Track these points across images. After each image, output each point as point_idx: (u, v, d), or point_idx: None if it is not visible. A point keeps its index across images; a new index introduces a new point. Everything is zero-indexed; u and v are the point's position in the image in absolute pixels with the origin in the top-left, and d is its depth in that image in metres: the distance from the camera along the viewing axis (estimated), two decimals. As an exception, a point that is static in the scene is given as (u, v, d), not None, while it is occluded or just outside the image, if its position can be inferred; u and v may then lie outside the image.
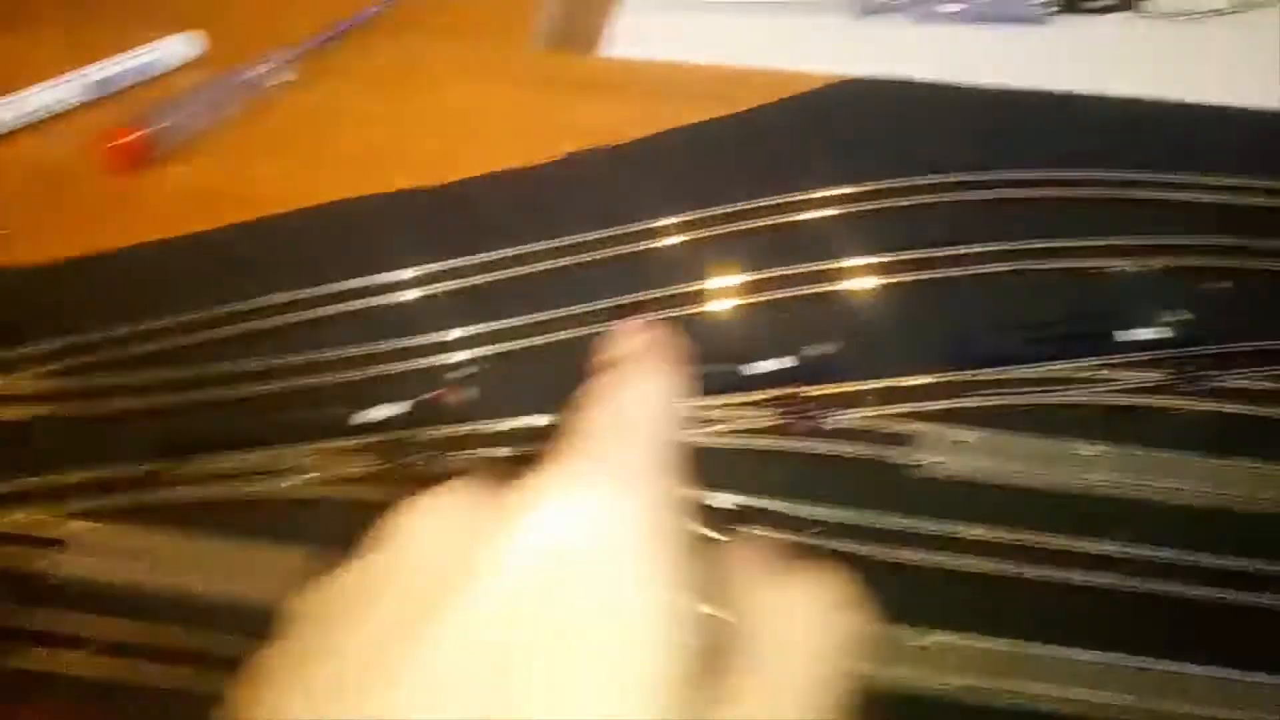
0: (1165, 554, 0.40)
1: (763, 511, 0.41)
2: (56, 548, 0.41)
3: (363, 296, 0.49)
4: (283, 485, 0.42)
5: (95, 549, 0.41)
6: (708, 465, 0.42)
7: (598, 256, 0.51)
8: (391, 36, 0.66)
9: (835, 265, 0.49)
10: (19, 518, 0.42)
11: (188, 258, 0.52)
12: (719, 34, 0.69)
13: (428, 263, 0.50)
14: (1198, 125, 0.60)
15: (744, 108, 0.60)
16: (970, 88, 0.62)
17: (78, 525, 0.41)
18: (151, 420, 0.45)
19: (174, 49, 0.63)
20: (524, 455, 0.43)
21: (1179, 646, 0.38)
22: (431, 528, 0.21)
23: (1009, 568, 0.40)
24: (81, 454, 0.44)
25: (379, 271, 0.50)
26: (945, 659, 0.38)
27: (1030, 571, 0.40)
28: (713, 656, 0.19)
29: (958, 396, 0.44)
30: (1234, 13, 0.69)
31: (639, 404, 0.24)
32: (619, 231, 0.52)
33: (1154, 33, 0.69)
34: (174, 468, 0.43)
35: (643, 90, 0.64)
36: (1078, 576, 0.40)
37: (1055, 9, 0.68)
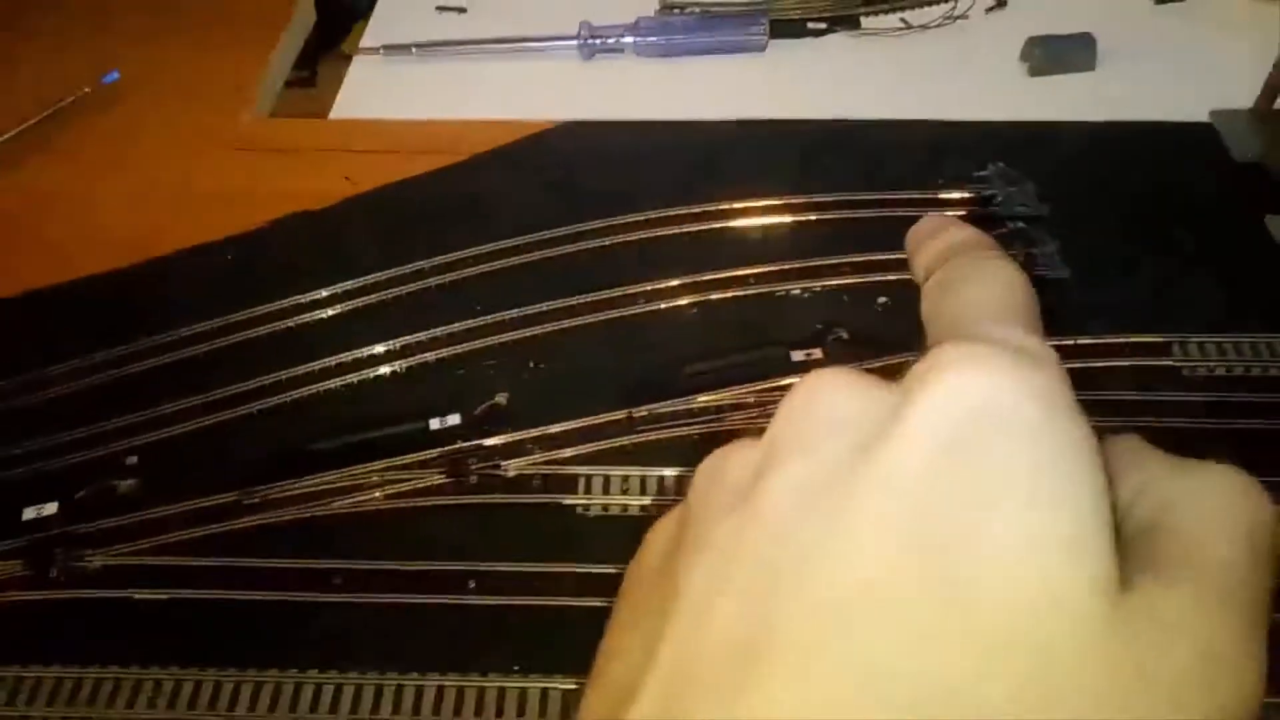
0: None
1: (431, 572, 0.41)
2: None
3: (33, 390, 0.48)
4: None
5: None
6: (374, 531, 0.43)
7: (270, 330, 0.51)
8: (104, 114, 0.64)
9: (515, 314, 0.50)
10: None
11: None
12: (448, 89, 0.69)
13: (99, 349, 0.49)
14: (890, 140, 0.62)
15: (465, 160, 0.61)
16: (683, 122, 0.64)
17: None
18: None
19: None
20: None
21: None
22: (828, 400, 0.19)
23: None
24: None
25: (66, 360, 0.49)
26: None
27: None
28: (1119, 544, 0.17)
29: (628, 434, 0.45)
30: (942, 26, 0.72)
31: (1007, 286, 0.23)
32: (291, 303, 0.51)
33: (869, 52, 0.71)
34: None
35: (367, 149, 0.64)
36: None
37: (766, 35, 0.70)
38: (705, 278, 0.51)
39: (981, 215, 0.56)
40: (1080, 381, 0.51)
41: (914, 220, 0.56)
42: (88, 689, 0.39)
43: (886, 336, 0.48)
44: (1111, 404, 0.46)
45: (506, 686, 0.37)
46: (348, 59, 0.73)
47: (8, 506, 0.43)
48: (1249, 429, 0.45)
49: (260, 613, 0.40)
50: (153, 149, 0.63)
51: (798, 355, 0.48)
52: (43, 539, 0.42)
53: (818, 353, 0.48)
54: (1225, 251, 0.54)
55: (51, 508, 0.43)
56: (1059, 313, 0.51)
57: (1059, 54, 0.69)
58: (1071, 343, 0.49)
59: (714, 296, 0.51)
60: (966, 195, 0.57)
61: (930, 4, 0.73)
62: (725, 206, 0.55)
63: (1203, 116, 0.63)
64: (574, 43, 0.71)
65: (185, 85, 0.67)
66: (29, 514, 0.43)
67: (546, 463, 0.44)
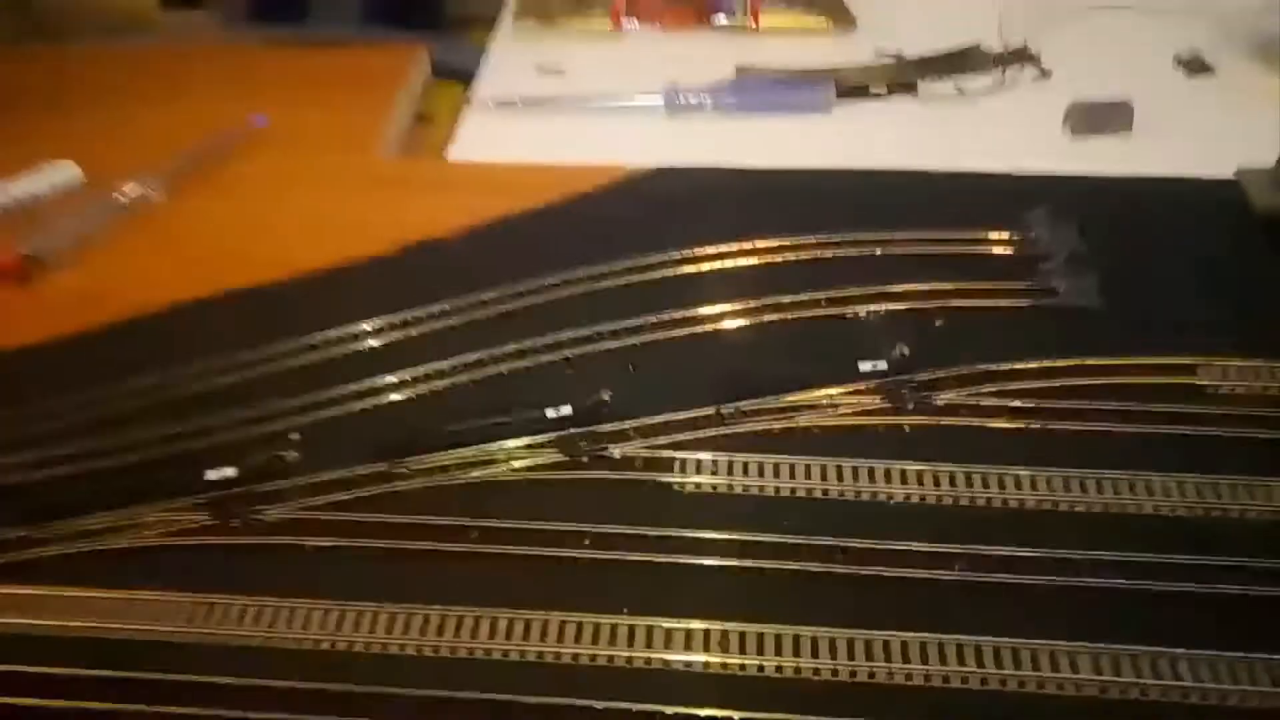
0: (887, 545, 0.47)
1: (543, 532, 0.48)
2: None
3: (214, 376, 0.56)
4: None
5: None
6: (503, 497, 0.50)
7: (407, 334, 0.59)
8: (248, 155, 0.74)
9: (615, 325, 0.58)
10: None
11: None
12: (549, 137, 0.78)
13: (263, 346, 0.58)
14: (946, 189, 0.70)
15: (567, 197, 0.70)
16: (758, 169, 0.72)
17: None
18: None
19: (52, 176, 0.71)
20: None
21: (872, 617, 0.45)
22: None
23: (761, 563, 0.47)
24: None
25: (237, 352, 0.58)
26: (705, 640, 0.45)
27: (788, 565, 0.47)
28: None
29: (717, 426, 0.52)
30: (994, 94, 0.80)
31: None
32: (424, 311, 0.60)
33: (925, 114, 0.79)
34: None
35: (481, 187, 0.72)
36: (813, 566, 0.47)
37: (833, 97, 0.79)
38: (783, 299, 0.59)
39: (1026, 253, 0.63)
40: (1112, 394, 0.58)
41: (965, 258, 0.65)
42: (266, 616, 0.46)
43: (941, 352, 0.56)
44: (1137, 414, 0.53)
45: (618, 623, 0.45)
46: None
47: (194, 469, 0.51)
48: (1262, 438, 0.52)
49: (406, 559, 0.48)
50: (289, 185, 0.72)
51: (865, 366, 0.55)
52: (226, 495, 0.50)
53: (882, 364, 0.55)
54: (1248, 290, 0.61)
55: (230, 471, 0.51)
56: (1094, 337, 0.58)
57: (1099, 118, 0.76)
58: (1107, 362, 0.55)
59: (790, 316, 0.58)
60: (1013, 235, 0.64)
61: (981, 74, 0.81)
62: (798, 240, 0.63)
63: (1229, 174, 0.70)
64: (660, 100, 0.79)
65: (323, 130, 0.76)
66: (211, 475, 0.51)
67: (647, 447, 0.52)
